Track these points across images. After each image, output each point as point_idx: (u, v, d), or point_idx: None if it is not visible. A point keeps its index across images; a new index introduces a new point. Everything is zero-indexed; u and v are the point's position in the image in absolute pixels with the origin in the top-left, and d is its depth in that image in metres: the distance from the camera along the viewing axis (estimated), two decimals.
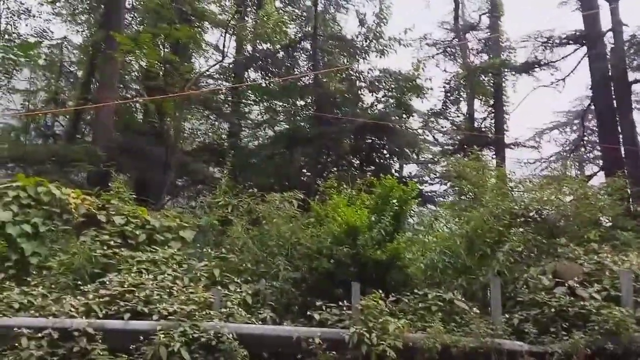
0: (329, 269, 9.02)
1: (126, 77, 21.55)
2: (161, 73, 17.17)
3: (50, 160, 15.59)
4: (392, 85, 19.40)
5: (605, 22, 19.01)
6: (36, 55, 18.70)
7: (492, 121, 24.05)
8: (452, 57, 25.36)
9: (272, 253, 9.54)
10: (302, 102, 21.74)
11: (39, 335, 6.93)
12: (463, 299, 8.46)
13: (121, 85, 20.68)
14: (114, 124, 17.75)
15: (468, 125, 22.65)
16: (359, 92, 20.55)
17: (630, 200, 14.79)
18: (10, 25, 16.83)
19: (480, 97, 24.52)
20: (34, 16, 19.17)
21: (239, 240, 9.80)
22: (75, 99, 20.82)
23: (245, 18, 21.49)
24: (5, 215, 8.85)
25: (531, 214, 10.42)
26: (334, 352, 7.62)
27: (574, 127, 24.34)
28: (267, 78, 21.70)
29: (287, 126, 21.47)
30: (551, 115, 25.52)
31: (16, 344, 6.83)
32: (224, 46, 19.08)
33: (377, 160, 20.18)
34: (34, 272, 8.36)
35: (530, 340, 7.93)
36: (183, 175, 18.70)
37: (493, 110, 24.09)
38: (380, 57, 20.22)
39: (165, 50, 17.09)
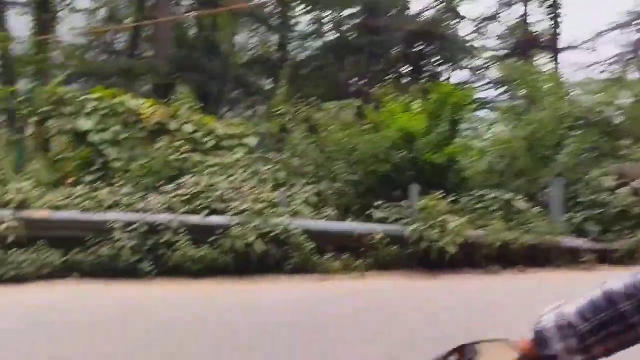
0: (387, 173, 9.24)
1: None
2: None
3: (117, 75, 16.10)
4: None
5: None
6: None
7: (550, 24, 22.92)
8: None
9: (330, 158, 9.90)
10: (350, 11, 21.23)
11: (129, 229, 7.65)
12: (523, 200, 8.51)
13: (173, 1, 20.69)
14: (172, 40, 18.06)
15: (522, 29, 21.67)
16: None
17: None
18: None
19: None
20: None
21: (299, 146, 10.20)
22: (133, 16, 21.00)
23: None
24: (88, 124, 9.53)
25: (593, 117, 10.29)
26: (394, 247, 7.99)
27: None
28: None
29: (336, 36, 21.18)
30: (612, 16, 24.05)
31: (110, 237, 7.60)
32: None
33: (427, 68, 19.87)
34: (118, 175, 9.03)
35: (592, 239, 7.98)
36: (238, 87, 19.04)
37: (549, 13, 22.88)
38: None
39: None
